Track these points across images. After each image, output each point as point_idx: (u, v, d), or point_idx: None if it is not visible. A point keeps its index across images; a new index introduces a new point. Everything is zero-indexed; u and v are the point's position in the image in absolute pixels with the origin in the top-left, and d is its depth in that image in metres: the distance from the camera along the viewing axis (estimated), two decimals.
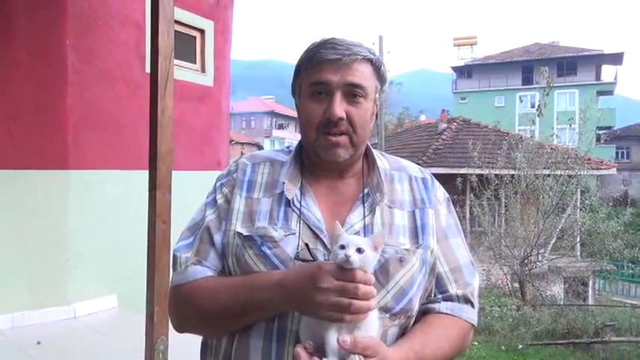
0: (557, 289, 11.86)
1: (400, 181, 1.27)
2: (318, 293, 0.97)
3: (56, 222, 4.24)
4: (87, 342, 3.76)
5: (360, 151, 1.22)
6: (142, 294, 2.98)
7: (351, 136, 1.16)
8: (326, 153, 1.17)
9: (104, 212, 4.46)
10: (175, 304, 1.21)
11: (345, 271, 0.96)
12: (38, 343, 3.61)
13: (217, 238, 1.18)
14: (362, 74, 1.16)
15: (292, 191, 1.18)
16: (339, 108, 1.13)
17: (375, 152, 1.29)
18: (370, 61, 1.18)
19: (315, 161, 1.22)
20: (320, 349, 0.98)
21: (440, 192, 1.31)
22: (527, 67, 42.84)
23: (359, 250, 0.96)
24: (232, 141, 36.91)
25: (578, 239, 11.25)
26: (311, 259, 1.08)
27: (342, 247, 0.96)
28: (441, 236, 1.23)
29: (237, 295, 1.09)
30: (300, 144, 1.27)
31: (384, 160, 1.30)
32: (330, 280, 0.97)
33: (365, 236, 1.13)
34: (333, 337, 0.97)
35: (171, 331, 2.88)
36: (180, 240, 1.24)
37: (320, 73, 1.15)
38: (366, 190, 1.21)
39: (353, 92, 1.15)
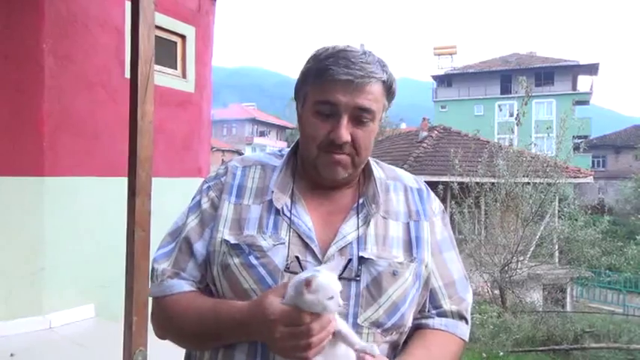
0: (536, 296, 11.98)
1: (395, 191, 1.23)
2: (275, 343, 0.96)
3: (31, 229, 4.13)
4: (63, 353, 3.66)
5: (360, 170, 1.19)
6: (119, 303, 2.91)
7: (353, 158, 1.13)
8: (326, 171, 1.13)
9: (81, 220, 4.36)
10: (155, 315, 1.20)
11: (292, 314, 0.93)
12: (12, 355, 3.50)
13: (198, 247, 1.15)
14: (373, 97, 1.11)
15: (282, 200, 1.14)
16: (345, 132, 1.09)
17: (371, 161, 1.25)
18: (382, 81, 1.13)
19: (310, 172, 1.18)
20: None
21: (435, 204, 1.27)
22: (506, 76, 43.49)
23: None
24: (213, 148, 36.72)
25: (556, 246, 11.41)
26: (301, 271, 1.05)
27: (332, 297, 0.93)
28: (436, 250, 1.20)
29: (206, 322, 1.08)
30: (295, 148, 1.23)
31: (379, 169, 1.26)
32: (280, 329, 0.94)
33: (358, 248, 1.10)
34: None
35: (151, 341, 2.82)
36: (160, 247, 1.20)
37: (329, 93, 1.09)
38: (361, 200, 1.17)
39: (361, 116, 1.11)
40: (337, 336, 0.98)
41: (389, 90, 1.16)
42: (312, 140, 1.13)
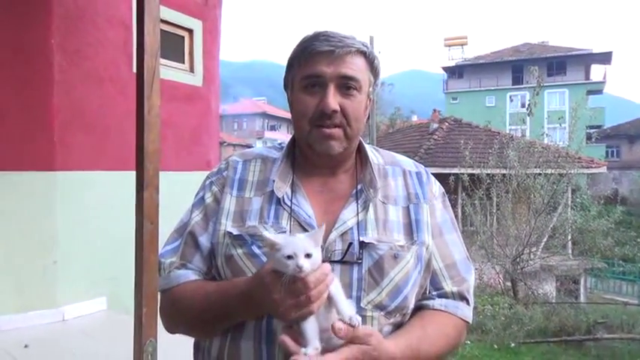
0: (549, 288, 11.92)
1: (394, 176, 1.25)
2: (277, 303, 0.97)
3: (43, 223, 4.18)
4: (75, 345, 3.70)
5: (354, 144, 1.21)
6: (131, 296, 2.93)
7: (345, 129, 1.15)
8: (320, 145, 1.15)
9: (92, 213, 4.40)
10: (163, 308, 1.23)
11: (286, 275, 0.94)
12: (26, 346, 3.55)
13: (202, 240, 1.18)
14: (355, 66, 1.15)
15: (282, 189, 1.16)
16: (333, 100, 1.12)
17: (369, 147, 1.27)
18: (364, 54, 1.17)
19: (308, 156, 1.21)
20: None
21: (435, 187, 1.29)
22: (518, 66, 43.03)
23: (307, 256, 0.94)
24: (224, 142, 36.85)
25: (569, 237, 11.32)
26: None
27: (290, 257, 0.93)
28: (436, 232, 1.21)
29: (212, 303, 1.10)
30: (293, 140, 1.26)
31: (377, 155, 1.29)
32: (279, 289, 0.95)
33: (359, 233, 1.11)
34: (309, 325, 0.96)
35: (161, 332, 2.84)
36: (166, 244, 1.24)
37: (313, 66, 1.14)
38: (359, 187, 1.19)
39: (347, 85, 1.14)
40: (331, 301, 0.98)
41: (372, 64, 1.19)
42: (302, 117, 1.16)
